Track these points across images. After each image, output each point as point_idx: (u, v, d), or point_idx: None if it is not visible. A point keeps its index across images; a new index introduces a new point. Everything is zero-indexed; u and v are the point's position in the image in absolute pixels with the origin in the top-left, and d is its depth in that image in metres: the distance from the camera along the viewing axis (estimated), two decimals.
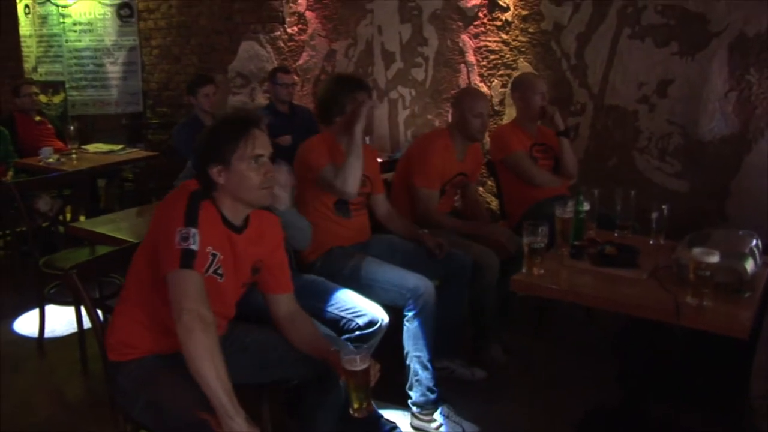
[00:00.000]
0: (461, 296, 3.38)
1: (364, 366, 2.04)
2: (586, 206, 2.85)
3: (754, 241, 2.55)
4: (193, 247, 2.01)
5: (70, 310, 4.00)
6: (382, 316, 2.81)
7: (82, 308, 3.41)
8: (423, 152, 3.70)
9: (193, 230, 2.03)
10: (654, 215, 2.90)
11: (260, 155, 2.18)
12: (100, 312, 2.44)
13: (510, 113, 4.64)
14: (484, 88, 4.97)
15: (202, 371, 1.90)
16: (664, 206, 2.89)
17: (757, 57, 3.97)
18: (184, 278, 2.00)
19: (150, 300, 2.16)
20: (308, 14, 5.99)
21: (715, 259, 2.23)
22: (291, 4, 6.09)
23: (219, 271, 2.16)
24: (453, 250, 3.35)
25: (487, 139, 4.27)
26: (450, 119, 3.82)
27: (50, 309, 4.05)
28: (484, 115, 3.67)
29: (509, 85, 4.55)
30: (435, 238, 3.33)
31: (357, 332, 2.76)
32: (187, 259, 2.00)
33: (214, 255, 2.13)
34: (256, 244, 2.30)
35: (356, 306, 2.82)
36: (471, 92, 3.93)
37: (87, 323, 2.91)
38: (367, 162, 3.29)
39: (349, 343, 2.65)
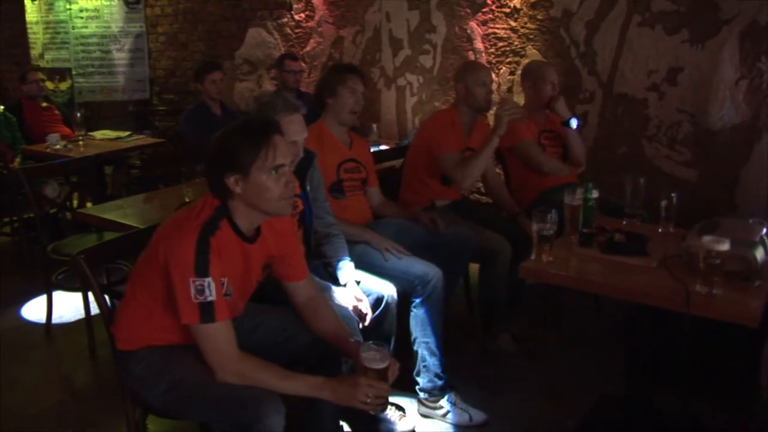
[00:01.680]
0: (460, 272, 3.49)
1: (384, 365, 2.03)
2: (595, 194, 2.83)
3: (764, 230, 2.53)
4: (210, 298, 1.98)
5: (77, 296, 4.00)
6: (388, 292, 2.84)
7: (90, 294, 3.44)
8: (434, 127, 3.74)
9: (207, 280, 1.97)
10: (663, 203, 2.88)
11: (281, 165, 2.07)
12: (107, 298, 2.43)
13: (518, 101, 4.61)
14: (492, 76, 4.94)
15: (275, 388, 2.01)
16: (673, 194, 2.87)
17: None
18: (211, 335, 2.01)
19: (158, 308, 2.13)
20: (315, 1, 5.97)
21: (725, 247, 2.21)
22: None
23: (228, 293, 2.10)
24: (459, 225, 3.44)
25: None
26: (455, 95, 3.81)
27: (57, 295, 4.05)
28: (487, 84, 3.69)
29: (519, 73, 4.52)
30: (428, 213, 3.39)
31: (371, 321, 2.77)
32: (208, 313, 1.98)
33: (224, 281, 2.07)
34: (267, 244, 2.26)
35: (362, 286, 2.85)
36: (471, 64, 4.05)
37: (94, 309, 2.92)
38: (362, 152, 3.44)
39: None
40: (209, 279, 1.97)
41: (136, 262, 2.23)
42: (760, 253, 2.38)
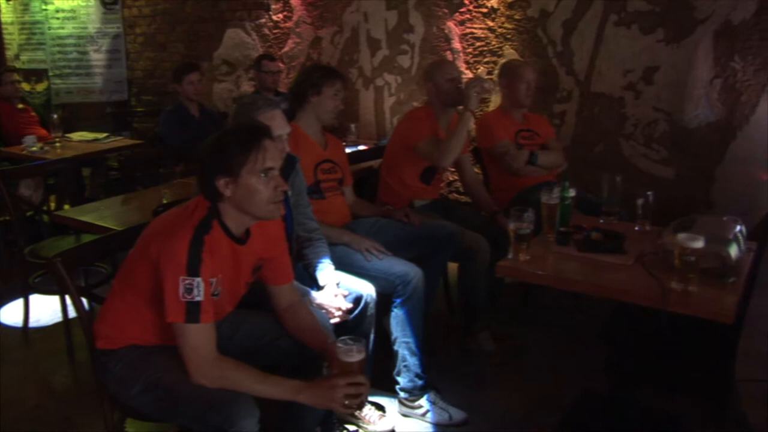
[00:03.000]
0: (443, 266, 3.53)
1: (360, 357, 2.04)
2: (572, 192, 2.86)
3: (739, 227, 2.56)
4: (198, 298, 1.99)
5: (55, 299, 3.98)
6: (367, 291, 2.86)
7: (67, 297, 3.42)
8: (408, 120, 3.81)
9: (197, 280, 1.98)
10: (640, 201, 2.90)
11: (270, 168, 2.09)
12: (85, 300, 2.42)
13: (496, 101, 4.64)
14: (470, 76, 4.96)
15: (251, 391, 2.01)
16: (649, 192, 2.90)
17: (742, 44, 3.99)
18: (193, 335, 2.01)
19: (145, 307, 2.14)
20: (294, 1, 5.96)
21: (700, 244, 2.24)
22: None
23: (216, 293, 2.10)
24: (437, 224, 3.44)
25: (472, 126, 4.27)
26: (427, 95, 3.83)
27: (35, 298, 4.03)
28: (456, 78, 3.72)
29: (497, 72, 4.54)
30: (401, 209, 3.43)
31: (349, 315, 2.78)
32: (193, 313, 1.99)
33: (214, 281, 2.08)
34: (257, 246, 2.27)
35: (341, 285, 2.85)
36: (436, 61, 4.13)
37: (72, 312, 2.90)
38: (337, 152, 3.47)
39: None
40: (199, 279, 1.99)
41: (125, 260, 2.23)
42: (734, 250, 2.41)
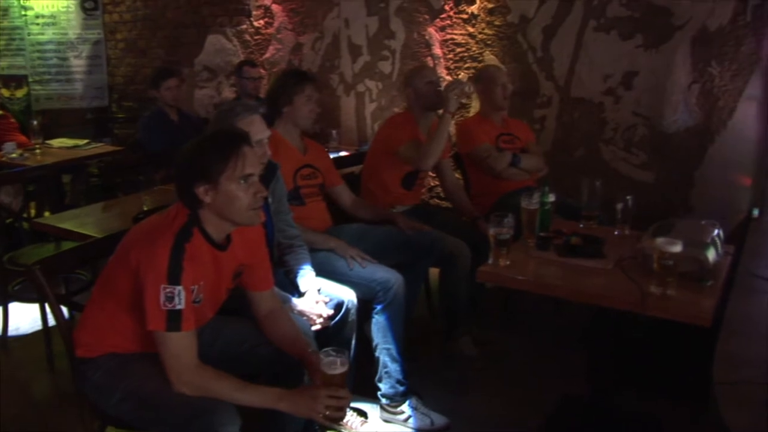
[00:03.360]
0: (425, 272, 3.57)
1: (343, 369, 2.04)
2: (552, 197, 2.87)
3: (716, 231, 2.59)
4: (179, 307, 1.99)
5: (34, 307, 3.94)
6: (348, 297, 2.86)
7: (47, 305, 3.39)
8: (388, 126, 3.82)
9: (178, 288, 1.98)
10: (619, 206, 2.93)
11: (250, 174, 2.09)
12: (65, 309, 2.40)
13: (476, 106, 4.65)
14: (437, 73, 4.96)
15: (231, 399, 2.01)
16: (628, 197, 2.92)
17: (719, 50, 4.03)
18: (174, 343, 2.01)
19: (124, 315, 2.13)
20: (275, 7, 5.96)
21: (677, 248, 2.26)
22: None
23: (197, 300, 2.10)
24: (419, 230, 3.45)
25: (453, 130, 4.29)
26: (406, 101, 3.85)
27: (14, 306, 3.99)
28: (434, 81, 3.74)
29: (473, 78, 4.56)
30: (407, 219, 3.44)
31: (330, 321, 2.78)
32: (174, 321, 1.99)
33: (195, 288, 2.08)
34: (238, 252, 2.27)
35: (322, 291, 2.85)
36: (415, 67, 4.14)
37: (52, 320, 2.88)
38: (317, 156, 3.46)
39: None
40: (180, 287, 1.99)
41: (104, 267, 2.22)
42: (711, 254, 2.44)
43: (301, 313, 2.71)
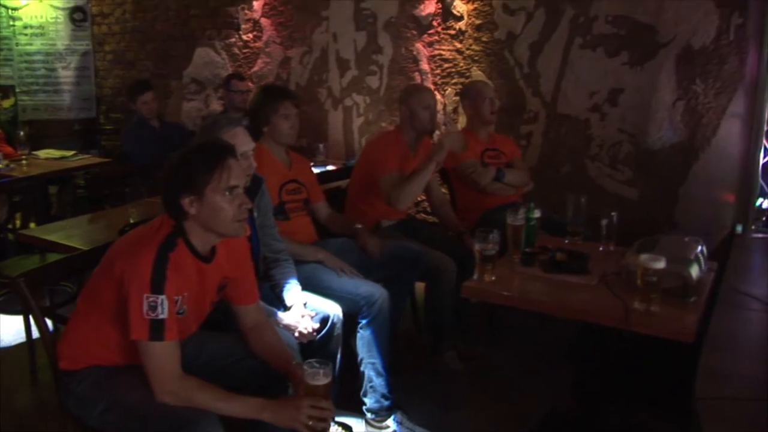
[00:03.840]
0: (411, 287, 3.54)
1: (326, 380, 2.05)
2: (537, 213, 2.89)
3: (700, 247, 2.61)
4: (162, 316, 1.99)
5: (19, 319, 3.92)
6: (334, 311, 2.87)
7: (31, 317, 3.38)
8: (376, 149, 3.79)
9: (161, 297, 1.99)
10: (604, 222, 2.94)
11: (235, 186, 2.10)
12: (49, 321, 2.40)
13: (463, 121, 4.68)
14: (437, 97, 5.01)
15: (215, 409, 2.02)
16: (613, 213, 2.94)
17: (702, 68, 4.08)
18: (157, 352, 2.01)
19: (108, 327, 2.13)
20: (263, 21, 5.98)
21: (661, 265, 2.28)
22: (246, 11, 6.07)
23: (181, 311, 2.11)
24: (404, 244, 3.45)
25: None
26: (400, 118, 3.86)
27: None
28: (432, 107, 3.75)
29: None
30: (372, 237, 3.37)
31: (315, 334, 2.78)
32: (157, 331, 1.99)
33: (178, 299, 2.08)
34: (223, 264, 2.27)
35: (308, 305, 2.85)
36: (416, 87, 4.06)
37: (36, 332, 2.86)
38: (302, 171, 3.46)
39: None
40: (163, 297, 1.99)
41: (89, 279, 2.23)
42: (695, 270, 2.46)
43: (287, 327, 2.71)
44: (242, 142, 2.64)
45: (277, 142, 3.32)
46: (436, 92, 5.03)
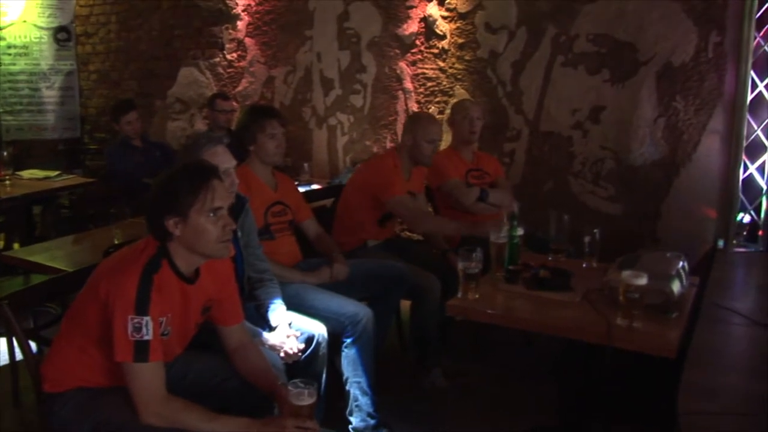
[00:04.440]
0: (396, 305, 3.57)
1: (311, 400, 2.06)
2: (520, 231, 2.91)
3: (681, 263, 2.64)
4: (147, 337, 1.99)
5: (1, 341, 3.89)
6: (318, 331, 2.86)
7: (14, 340, 3.35)
8: (378, 171, 3.77)
9: (146, 319, 1.99)
10: (586, 239, 2.97)
11: (219, 207, 2.11)
12: (33, 344, 2.39)
13: (447, 139, 4.71)
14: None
15: (200, 430, 2.03)
16: (596, 230, 2.96)
17: (682, 85, 4.14)
18: (142, 374, 2.01)
19: (93, 348, 2.13)
20: (248, 41, 6.01)
21: (643, 281, 2.30)
22: (230, 31, 6.10)
23: (165, 332, 2.10)
24: (389, 263, 3.45)
25: None
26: (401, 141, 3.87)
27: None
28: (436, 141, 3.74)
29: (447, 111, 4.63)
30: (340, 266, 3.32)
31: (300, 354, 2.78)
32: (142, 352, 1.99)
33: (163, 320, 2.08)
34: (207, 286, 2.27)
35: (293, 325, 2.85)
36: (426, 118, 3.96)
37: (20, 354, 2.84)
38: (287, 192, 3.45)
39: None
40: (148, 318, 1.99)
41: (73, 300, 2.22)
42: (676, 286, 2.48)
43: (272, 348, 2.71)
44: (223, 159, 2.65)
45: (264, 162, 3.32)
46: (419, 110, 5.08)
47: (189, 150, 2.68)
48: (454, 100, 4.82)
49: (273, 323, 2.81)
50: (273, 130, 3.27)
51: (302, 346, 2.77)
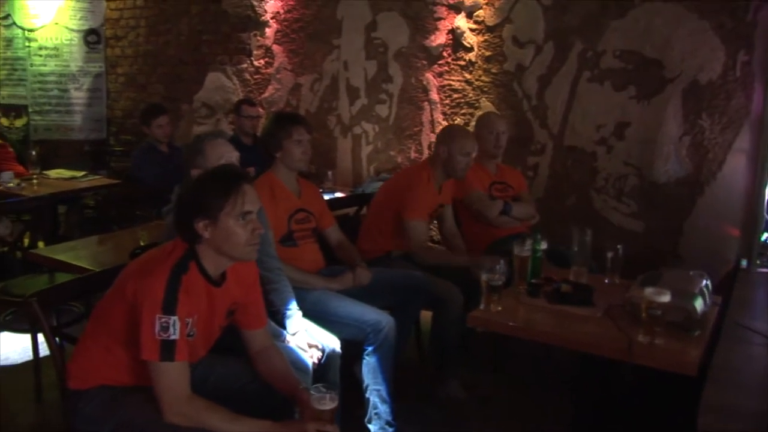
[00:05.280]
0: (416, 315, 3.58)
1: (332, 405, 2.07)
2: (544, 245, 2.92)
3: (704, 282, 2.63)
4: (173, 337, 2.02)
5: (25, 337, 3.94)
6: (331, 345, 2.87)
7: (39, 336, 3.39)
8: (410, 185, 3.76)
9: (173, 318, 2.02)
10: (609, 255, 2.97)
11: (249, 212, 2.15)
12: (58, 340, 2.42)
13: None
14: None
15: (222, 431, 2.05)
16: (619, 246, 2.96)
17: (708, 103, 4.12)
18: (167, 373, 2.04)
19: (118, 347, 2.16)
20: (275, 48, 6.05)
21: (666, 298, 2.30)
22: (259, 37, 6.15)
23: (191, 334, 2.13)
24: (411, 273, 3.46)
25: None
26: (433, 152, 3.88)
27: (4, 336, 3.98)
28: (471, 154, 3.73)
29: (473, 123, 4.63)
30: (363, 271, 3.33)
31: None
32: (168, 351, 2.02)
33: (189, 321, 2.11)
34: (232, 289, 2.30)
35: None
36: (461, 131, 3.94)
37: (43, 351, 2.88)
38: (311, 199, 3.48)
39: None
40: (175, 317, 2.02)
41: (100, 300, 2.26)
42: (699, 304, 2.48)
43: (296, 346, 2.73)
44: (223, 151, 2.72)
45: (289, 168, 3.34)
46: (444, 121, 5.10)
47: (192, 144, 2.79)
48: (480, 113, 4.84)
49: (291, 331, 2.83)
50: (299, 136, 3.29)
51: (320, 354, 2.78)
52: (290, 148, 3.29)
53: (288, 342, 2.75)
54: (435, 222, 4.13)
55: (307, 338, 2.79)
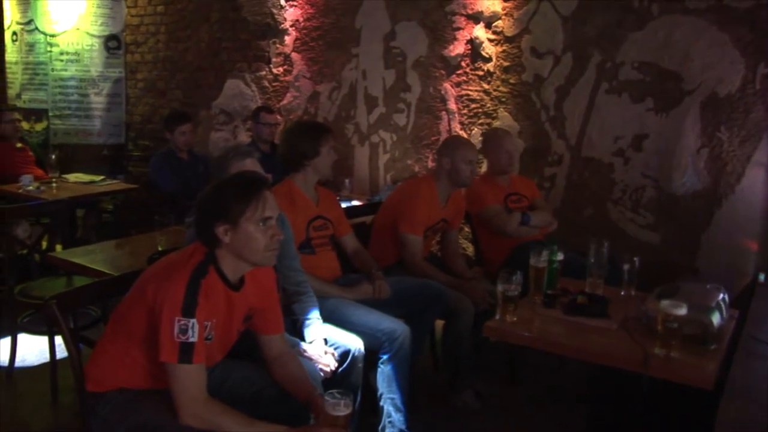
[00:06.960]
0: (431, 324, 3.57)
1: (347, 411, 2.09)
2: (560, 256, 2.92)
3: (721, 295, 2.62)
4: (192, 340, 2.04)
5: (41, 340, 3.97)
6: (355, 345, 2.89)
7: (56, 338, 3.42)
8: (410, 198, 3.76)
9: (192, 321, 2.04)
10: (626, 267, 2.97)
11: (269, 217, 2.18)
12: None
13: (485, 165, 4.72)
14: (464, 136, 5.05)
15: None
16: (635, 258, 2.96)
17: (727, 116, 4.10)
18: (184, 375, 2.06)
19: (136, 351, 2.18)
20: (294, 56, 6.08)
21: (682, 311, 2.30)
22: (278, 45, 6.18)
23: (209, 337, 2.15)
24: (426, 282, 3.47)
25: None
26: (436, 165, 3.89)
27: (22, 338, 4.01)
28: (473, 162, 3.76)
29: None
30: (383, 284, 3.33)
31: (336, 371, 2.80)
32: (186, 354, 2.04)
33: (208, 324, 2.13)
34: (251, 294, 2.32)
35: (329, 339, 2.89)
36: (460, 141, 3.98)
37: (60, 353, 2.89)
38: (329, 207, 3.50)
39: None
40: (194, 320, 2.04)
41: (119, 303, 2.28)
42: (716, 318, 2.47)
43: (310, 358, 2.74)
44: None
45: (317, 174, 3.38)
46: (462, 131, 5.10)
47: (219, 163, 2.79)
48: (497, 123, 4.85)
49: (309, 339, 2.84)
50: (333, 143, 3.38)
51: (336, 364, 2.79)
52: (325, 153, 3.34)
53: (303, 352, 2.76)
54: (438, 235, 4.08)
55: (323, 347, 2.80)
